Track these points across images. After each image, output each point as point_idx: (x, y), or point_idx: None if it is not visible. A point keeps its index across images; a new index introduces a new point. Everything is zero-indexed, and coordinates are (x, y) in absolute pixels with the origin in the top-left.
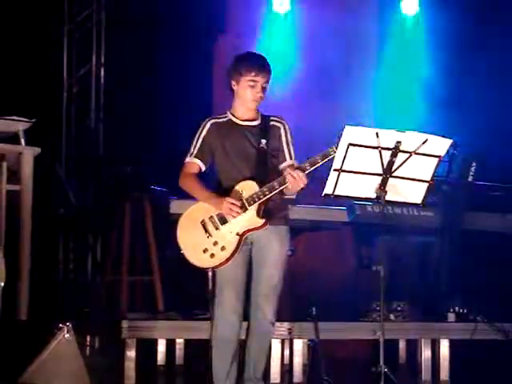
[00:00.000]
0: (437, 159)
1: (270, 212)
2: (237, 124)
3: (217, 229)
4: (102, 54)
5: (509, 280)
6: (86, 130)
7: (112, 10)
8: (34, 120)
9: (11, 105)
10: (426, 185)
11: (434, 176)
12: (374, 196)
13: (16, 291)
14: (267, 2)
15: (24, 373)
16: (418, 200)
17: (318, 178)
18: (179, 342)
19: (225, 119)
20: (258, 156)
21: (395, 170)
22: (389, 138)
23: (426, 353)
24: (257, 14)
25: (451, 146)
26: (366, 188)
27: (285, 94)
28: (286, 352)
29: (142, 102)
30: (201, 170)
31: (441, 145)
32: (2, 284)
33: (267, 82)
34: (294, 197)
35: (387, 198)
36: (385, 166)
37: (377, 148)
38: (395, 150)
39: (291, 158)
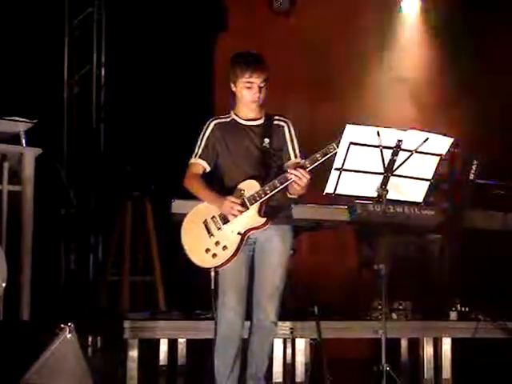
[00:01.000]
0: (438, 158)
1: (272, 211)
2: (240, 124)
3: (219, 229)
4: (102, 53)
5: (510, 279)
6: (87, 130)
7: (112, 9)
8: (34, 121)
9: (12, 105)
10: (428, 183)
11: (435, 174)
12: (375, 195)
13: (18, 292)
14: (267, 2)
15: (26, 373)
16: (419, 199)
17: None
18: (181, 341)
19: (228, 119)
20: (261, 155)
21: (396, 169)
22: (390, 136)
23: (428, 351)
24: (257, 14)
25: (452, 144)
26: (368, 187)
27: (285, 94)
28: (289, 351)
29: (142, 102)
30: (205, 170)
31: (442, 143)
32: (4, 285)
33: (264, 80)
34: (296, 197)
35: (388, 196)
36: (386, 165)
37: (378, 147)
38: (396, 149)
39: (296, 157)
